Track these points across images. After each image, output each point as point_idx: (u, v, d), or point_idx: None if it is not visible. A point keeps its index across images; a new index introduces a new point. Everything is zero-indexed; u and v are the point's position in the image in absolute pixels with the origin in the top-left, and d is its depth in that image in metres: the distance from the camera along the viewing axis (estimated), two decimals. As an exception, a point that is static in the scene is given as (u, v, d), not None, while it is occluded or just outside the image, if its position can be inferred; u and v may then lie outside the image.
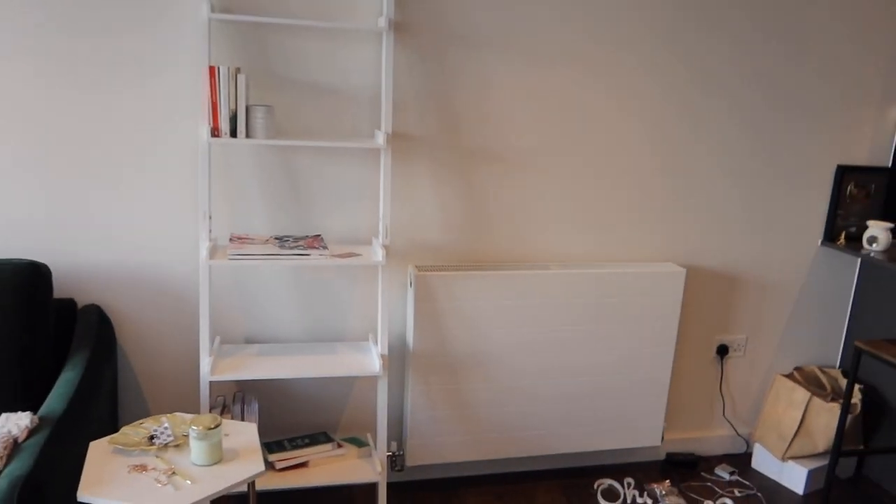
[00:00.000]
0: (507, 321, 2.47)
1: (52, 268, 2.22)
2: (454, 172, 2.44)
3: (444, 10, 2.30)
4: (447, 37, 2.32)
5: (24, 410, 1.87)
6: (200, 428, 1.65)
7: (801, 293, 2.94)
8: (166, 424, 1.83)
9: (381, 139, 2.17)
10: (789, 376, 2.90)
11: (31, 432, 1.69)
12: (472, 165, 2.45)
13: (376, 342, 2.39)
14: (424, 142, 2.39)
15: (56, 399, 1.82)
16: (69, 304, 2.19)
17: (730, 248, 2.80)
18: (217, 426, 1.67)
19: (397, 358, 2.55)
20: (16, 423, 1.70)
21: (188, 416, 1.86)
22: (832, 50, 2.69)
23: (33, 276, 2.00)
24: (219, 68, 1.98)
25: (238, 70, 2.05)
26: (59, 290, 2.24)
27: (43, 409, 1.78)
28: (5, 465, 1.58)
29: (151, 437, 1.76)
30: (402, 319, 2.52)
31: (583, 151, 2.55)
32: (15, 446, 1.65)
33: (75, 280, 2.25)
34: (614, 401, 2.67)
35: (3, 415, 1.74)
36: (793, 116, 2.73)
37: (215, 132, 2.03)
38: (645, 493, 2.66)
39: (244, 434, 1.82)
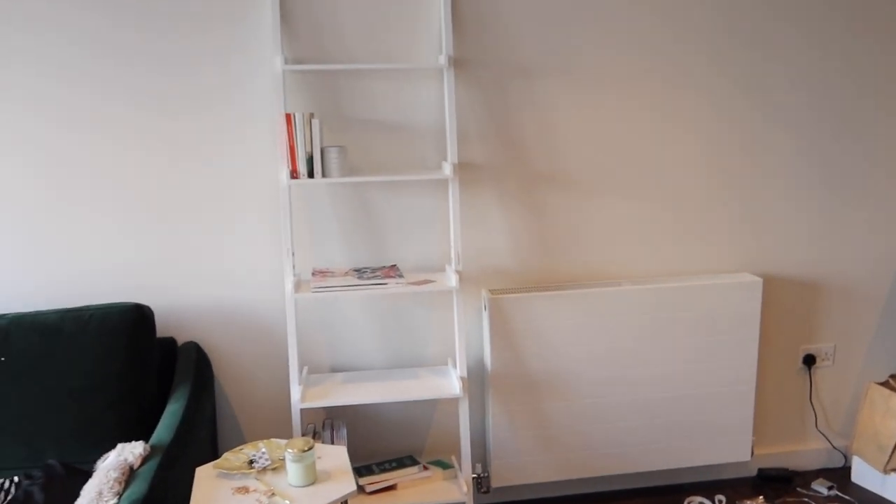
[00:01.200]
0: (583, 339, 2.50)
1: (153, 308, 2.41)
2: (520, 197, 2.52)
3: (500, 44, 2.40)
4: (505, 68, 2.41)
5: (136, 440, 2.03)
6: (295, 451, 1.75)
7: (890, 296, 2.84)
8: (263, 449, 1.94)
9: (447, 170, 2.27)
10: (884, 384, 2.78)
11: (145, 460, 1.84)
12: (538, 190, 2.52)
13: (455, 365, 2.47)
14: (490, 170, 2.48)
15: (164, 429, 1.97)
16: (170, 342, 2.37)
17: (809, 253, 2.75)
18: (310, 448, 1.77)
19: (477, 380, 2.61)
20: (131, 451, 1.86)
21: (283, 441, 1.97)
22: (901, 46, 2.64)
23: (138, 318, 2.18)
24: (294, 115, 2.14)
25: (312, 115, 2.19)
26: (161, 329, 2.43)
27: (153, 439, 1.93)
28: (124, 490, 1.72)
29: (251, 462, 1.88)
30: (479, 342, 2.59)
31: (648, 167, 2.57)
32: (131, 473, 1.80)
33: (175, 319, 2.43)
34: (699, 415, 2.64)
35: (119, 445, 1.90)
36: (878, 114, 2.67)
37: (294, 174, 2.18)
38: (737, 510, 2.61)
39: (335, 457, 1.92)
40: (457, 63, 2.39)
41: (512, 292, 2.48)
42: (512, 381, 2.49)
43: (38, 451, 2.07)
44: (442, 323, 2.57)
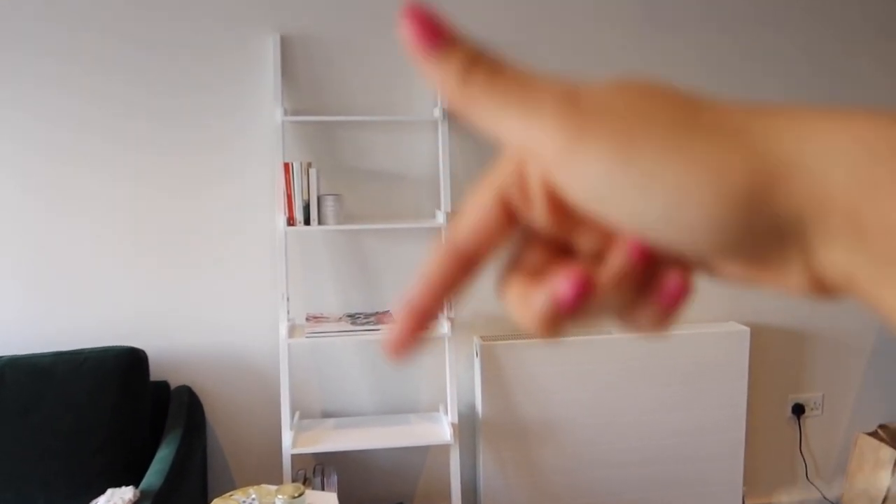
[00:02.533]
0: (573, 387, 2.52)
1: (148, 352, 2.42)
2: (512, 245, 2.56)
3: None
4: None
5: (126, 485, 2.02)
6: (286, 497, 1.76)
7: (877, 345, 2.88)
8: (254, 496, 1.94)
9: (441, 218, 2.33)
10: (873, 434, 2.80)
11: (134, 505, 1.84)
12: (530, 237, 2.57)
13: (446, 412, 2.48)
14: (482, 218, 2.53)
15: (154, 474, 1.97)
16: (163, 385, 2.38)
17: (795, 303, 2.79)
18: (301, 494, 1.77)
19: (468, 427, 2.62)
20: (120, 497, 1.86)
21: (273, 487, 1.97)
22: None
23: (132, 362, 2.20)
24: (292, 164, 2.20)
25: (309, 164, 2.26)
26: (155, 372, 2.44)
27: (143, 484, 1.93)
28: (112, 535, 1.72)
29: (240, 508, 1.88)
30: (470, 389, 2.60)
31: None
32: (120, 518, 1.80)
33: (169, 363, 2.44)
34: (689, 465, 2.64)
35: (109, 490, 1.90)
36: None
37: (291, 221, 2.23)
38: (729, 562, 2.59)
39: None
40: (450, 115, 2.47)
41: (503, 339, 2.51)
42: (503, 427, 2.50)
43: (28, 496, 2.06)
44: (434, 369, 2.59)
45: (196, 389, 2.47)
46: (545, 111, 0.23)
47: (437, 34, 0.24)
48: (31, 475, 2.07)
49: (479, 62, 0.24)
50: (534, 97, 0.23)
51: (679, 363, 2.58)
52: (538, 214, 0.26)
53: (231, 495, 1.95)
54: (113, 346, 2.22)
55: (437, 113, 2.35)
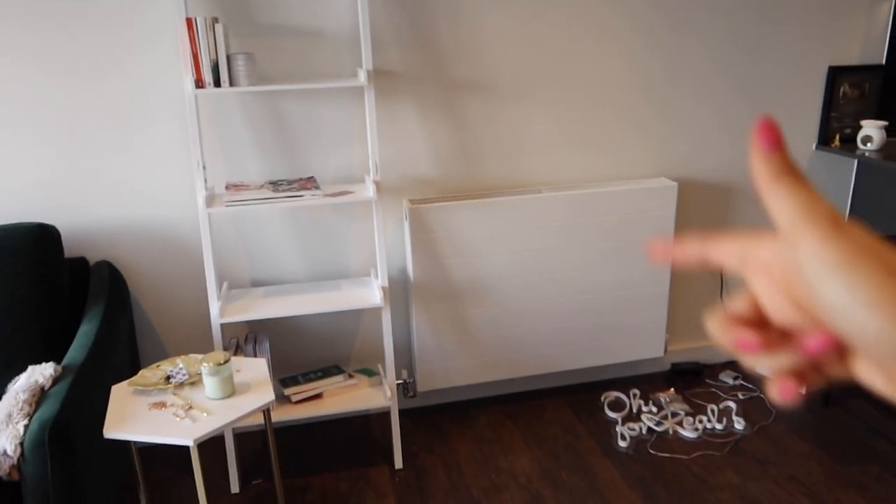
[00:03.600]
0: (504, 246, 2.54)
1: (61, 229, 2.31)
2: (440, 105, 2.47)
3: (415, -59, 2.28)
4: (421, -33, 2.31)
5: (48, 362, 1.99)
6: (211, 364, 1.76)
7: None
8: (181, 365, 1.94)
9: (363, 77, 2.20)
10: (788, 281, 2.95)
11: (56, 381, 1.82)
12: (458, 97, 2.48)
13: (377, 276, 2.48)
14: (408, 77, 2.42)
15: (77, 350, 1.94)
16: (81, 262, 2.30)
17: (722, 158, 2.82)
18: (227, 361, 1.78)
19: (400, 290, 2.64)
20: (41, 373, 1.83)
21: (201, 356, 1.97)
22: (818, -54, 2.63)
23: (43, 237, 2.10)
24: (196, 20, 2.01)
25: (215, 20, 2.07)
26: (71, 249, 2.34)
27: (65, 360, 1.90)
28: (35, 411, 1.70)
29: (168, 378, 1.88)
30: (401, 253, 2.60)
31: (566, 75, 2.55)
32: (42, 394, 1.78)
33: (85, 239, 2.34)
34: (616, 316, 2.75)
35: (30, 367, 1.87)
36: (780, 20, 2.69)
37: (199, 83, 2.08)
38: (650, 403, 2.77)
39: (255, 369, 1.93)
40: (369, -38, 2.27)
41: (432, 202, 2.48)
42: (434, 288, 2.53)
43: (-54, 377, 2.01)
44: (363, 234, 2.56)
45: (118, 264, 2.40)
46: (821, 221, 0.33)
47: (777, 142, 0.35)
48: (-52, 356, 2.01)
49: (793, 169, 0.35)
50: (817, 207, 0.34)
51: (608, 219, 2.61)
52: (777, 303, 0.36)
53: (158, 365, 1.95)
54: (21, 223, 2.10)
55: (352, -41, 2.15)
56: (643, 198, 2.62)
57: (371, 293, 2.38)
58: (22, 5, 2.10)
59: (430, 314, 2.55)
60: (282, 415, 2.32)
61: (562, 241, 2.59)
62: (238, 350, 2.41)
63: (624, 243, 2.66)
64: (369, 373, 2.55)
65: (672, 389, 2.85)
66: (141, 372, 1.91)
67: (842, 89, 2.82)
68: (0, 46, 2.12)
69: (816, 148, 2.89)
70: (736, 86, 2.73)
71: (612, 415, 2.70)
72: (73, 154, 2.26)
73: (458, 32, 2.41)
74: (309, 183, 2.30)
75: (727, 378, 2.94)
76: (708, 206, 2.87)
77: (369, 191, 2.29)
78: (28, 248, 2.07)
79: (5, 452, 1.64)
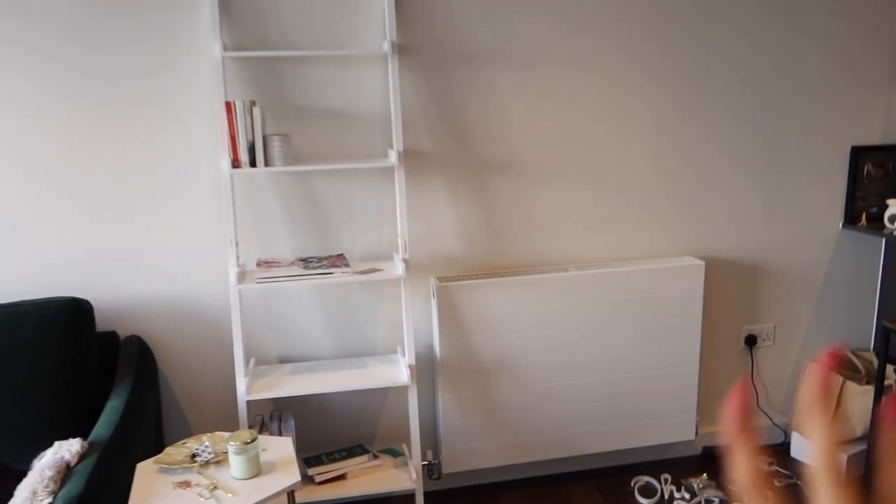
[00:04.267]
0: (531, 325, 2.52)
1: (93, 303, 2.35)
2: (468, 184, 2.52)
3: (444, 30, 2.39)
4: (450, 54, 2.41)
5: (75, 437, 1.97)
6: (238, 443, 1.74)
7: (826, 278, 2.93)
8: (207, 443, 1.92)
9: (393, 157, 2.26)
10: (821, 362, 2.88)
11: (82, 457, 1.80)
12: (485, 176, 2.53)
13: (404, 353, 2.47)
14: (436, 157, 2.48)
15: (103, 425, 1.93)
16: (112, 336, 2.32)
17: (749, 237, 2.82)
18: (253, 440, 1.75)
19: (426, 368, 2.62)
20: (67, 449, 1.81)
21: (227, 434, 1.95)
22: (837, 32, 2.71)
23: (76, 312, 2.13)
24: (234, 103, 2.10)
25: (253, 103, 2.16)
26: (102, 323, 2.37)
27: (92, 436, 1.89)
28: (59, 488, 1.68)
29: (193, 456, 1.85)
30: (428, 330, 2.59)
31: (592, 154, 2.60)
32: (68, 471, 1.76)
33: (116, 313, 2.37)
34: (645, 397, 2.69)
35: (56, 443, 1.85)
36: (801, 102, 2.74)
37: (235, 163, 2.14)
38: (682, 488, 2.67)
39: (281, 448, 1.91)
40: (401, 50, 2.37)
41: (460, 279, 2.49)
42: (461, 367, 2.50)
43: (-28, 452, 2.01)
44: (390, 311, 2.56)
45: (147, 339, 2.41)
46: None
47: (744, 427, 0.37)
48: (-25, 431, 2.01)
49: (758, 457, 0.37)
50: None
51: (635, 298, 2.60)
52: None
53: (184, 443, 1.93)
54: (55, 297, 2.13)
55: (386, 46, 2.25)
56: (670, 276, 2.61)
57: (398, 371, 2.37)
58: (63, 79, 2.21)
59: (457, 393, 2.52)
60: (305, 496, 2.27)
61: (589, 320, 2.57)
62: (263, 428, 2.38)
63: (652, 323, 2.63)
64: (394, 453, 2.50)
65: (705, 475, 2.75)
66: (166, 449, 1.89)
67: (865, 168, 2.84)
68: (46, 119, 2.22)
69: (843, 227, 2.89)
70: (760, 167, 2.76)
71: (642, 501, 2.61)
72: (108, 229, 2.31)
73: (486, 115, 2.48)
74: (339, 260, 2.32)
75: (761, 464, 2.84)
76: (735, 284, 2.85)
77: (398, 268, 2.31)
78: (61, 321, 2.10)
79: (28, 532, 1.61)
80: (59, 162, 2.25)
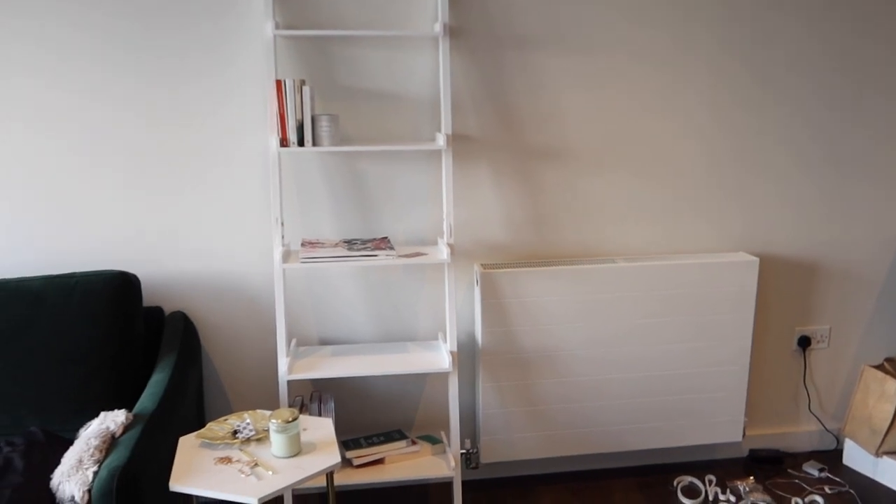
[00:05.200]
0: (575, 316, 2.47)
1: (140, 278, 2.37)
2: (516, 171, 2.47)
3: (496, 12, 2.34)
4: (501, 38, 2.36)
5: (120, 409, 2.00)
6: (280, 421, 1.73)
7: (888, 279, 2.81)
8: (248, 420, 1.92)
9: (441, 141, 2.23)
10: (879, 367, 2.76)
11: (127, 428, 1.82)
12: (533, 163, 2.47)
13: (445, 340, 2.44)
14: (485, 142, 2.43)
15: (148, 398, 1.95)
16: (157, 311, 2.34)
17: (806, 235, 2.71)
18: (295, 419, 1.75)
19: (467, 355, 2.58)
20: (113, 419, 1.84)
21: (268, 412, 1.95)
22: (908, 23, 2.58)
23: (123, 286, 2.15)
24: (285, 82, 2.09)
25: (303, 82, 2.14)
26: (148, 298, 2.39)
27: (136, 408, 1.91)
28: (105, 458, 1.70)
29: (235, 432, 1.85)
30: (470, 317, 2.56)
31: (645, 143, 2.53)
32: (113, 441, 1.78)
33: (163, 289, 2.39)
34: (691, 395, 2.62)
35: (102, 414, 1.88)
36: (870, 94, 2.62)
37: (284, 142, 2.13)
38: (728, 491, 2.59)
39: (321, 429, 1.90)
40: (452, 32, 2.33)
41: (504, 267, 2.45)
42: (503, 356, 2.46)
43: (20, 419, 2.05)
44: (433, 297, 2.53)
45: (192, 315, 2.43)
46: None
47: None
48: (25, 399, 2.05)
49: None
50: None
51: (684, 293, 2.52)
52: None
53: (226, 419, 1.93)
54: (104, 270, 2.16)
55: (437, 28, 2.21)
56: (722, 272, 2.53)
57: (439, 357, 2.34)
58: (117, 57, 2.23)
59: (497, 382, 2.48)
60: (343, 478, 2.26)
61: (636, 313, 2.50)
62: (303, 408, 2.38)
63: (702, 319, 2.55)
64: (432, 440, 2.48)
65: (751, 478, 2.66)
66: (209, 425, 1.90)
67: (935, 167, 2.70)
68: (98, 97, 2.24)
69: (908, 227, 2.76)
70: (818, 163, 2.65)
71: (686, 501, 2.54)
72: (157, 204, 2.33)
73: (536, 102, 2.42)
74: (383, 243, 2.30)
75: (812, 469, 2.74)
76: (789, 283, 2.74)
77: (443, 253, 2.27)
78: (108, 294, 2.12)
79: (73, 498, 1.63)
80: (111, 139, 2.27)
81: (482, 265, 2.47)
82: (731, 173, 2.60)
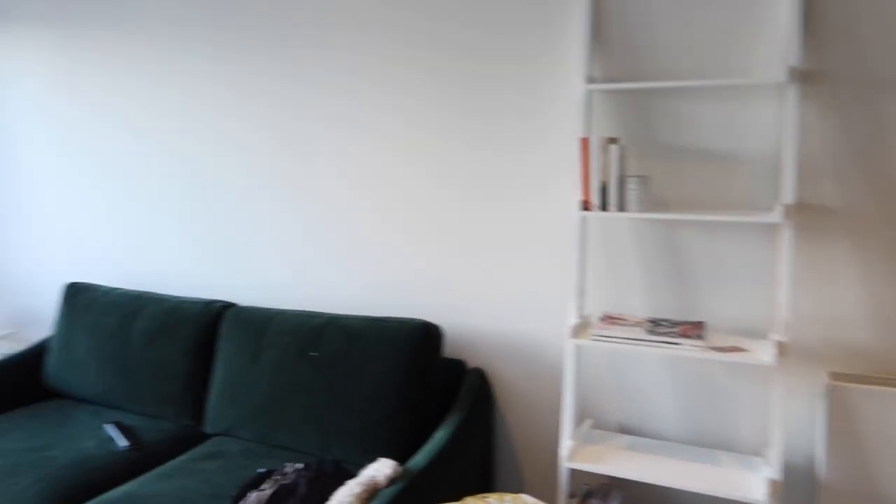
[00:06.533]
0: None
1: (447, 329, 2.42)
2: (889, 255, 1.84)
3: (867, 50, 1.78)
4: (875, 83, 1.79)
5: (403, 457, 2.04)
6: (521, 519, 1.54)
7: None
8: (509, 502, 1.77)
9: (778, 212, 1.77)
10: None
11: (392, 482, 1.84)
12: (928, 245, 1.81)
13: (769, 462, 1.93)
14: (847, 215, 1.87)
15: (423, 455, 1.95)
16: (458, 364, 2.35)
17: None
18: (536, 522, 1.54)
19: (801, 488, 2.00)
20: (381, 470, 1.87)
21: (530, 501, 1.77)
22: None
23: (425, 335, 2.21)
24: (591, 139, 1.91)
25: (612, 140, 1.93)
26: (452, 351, 2.43)
27: (410, 461, 1.92)
28: (360, 507, 1.73)
29: (486, 515, 1.72)
30: (809, 439, 1.98)
31: None
32: (375, 493, 1.81)
33: (466, 343, 2.40)
34: None
35: (379, 461, 1.93)
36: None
37: (586, 205, 1.95)
38: None
39: (578, 537, 1.64)
40: (808, 77, 1.85)
41: (868, 382, 1.83)
42: (854, 499, 1.83)
43: (328, 444, 2.24)
44: (760, 403, 2.03)
45: (490, 374, 2.39)
46: None
47: None
48: (334, 428, 2.23)
49: None
50: None
51: None
52: None
53: (485, 497, 1.81)
54: (408, 319, 2.26)
55: (783, 74, 1.78)
56: None
57: (755, 482, 1.85)
58: (430, 112, 2.32)
59: (843, 533, 1.85)
60: None
61: None
62: (586, 500, 2.13)
63: None
64: (741, 582, 1.97)
65: None
66: (466, 500, 1.80)
67: None
68: (407, 151, 2.37)
69: None
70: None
71: None
72: (460, 258, 2.36)
73: (937, 161, 1.77)
74: (694, 329, 1.93)
75: None
76: None
77: (767, 354, 1.80)
78: (411, 344, 2.20)
79: (322, 542, 1.69)
80: (424, 194, 2.37)
81: (832, 374, 1.89)
82: None
